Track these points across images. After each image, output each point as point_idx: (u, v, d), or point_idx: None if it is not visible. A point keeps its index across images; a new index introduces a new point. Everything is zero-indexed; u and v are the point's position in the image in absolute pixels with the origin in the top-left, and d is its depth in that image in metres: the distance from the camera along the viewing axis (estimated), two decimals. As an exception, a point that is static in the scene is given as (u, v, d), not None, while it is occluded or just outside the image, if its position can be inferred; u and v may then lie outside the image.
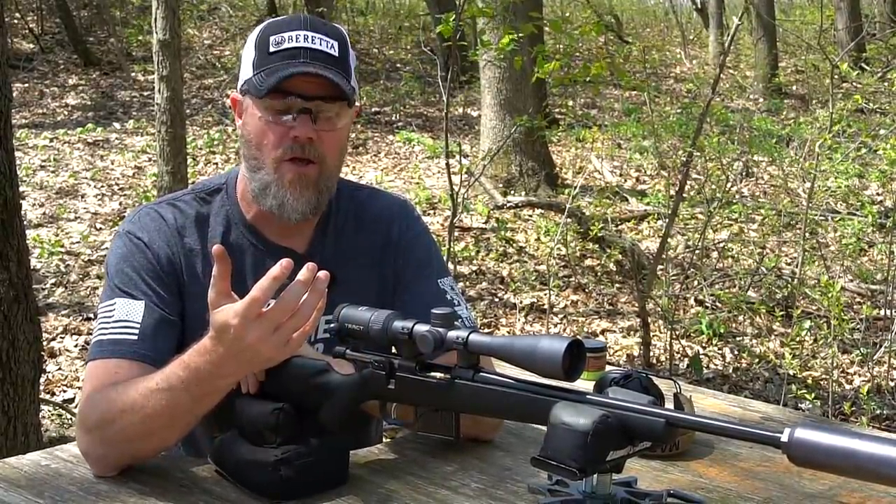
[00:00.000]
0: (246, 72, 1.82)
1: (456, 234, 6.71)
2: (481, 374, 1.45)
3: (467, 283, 6.72)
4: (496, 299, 6.51)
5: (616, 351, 5.79)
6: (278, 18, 1.87)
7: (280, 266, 1.50)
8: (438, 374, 1.49)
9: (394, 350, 1.57)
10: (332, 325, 1.59)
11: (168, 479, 1.67)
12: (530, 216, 8.07)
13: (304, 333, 1.54)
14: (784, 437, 1.17)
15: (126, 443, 1.66)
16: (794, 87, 13.91)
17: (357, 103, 1.88)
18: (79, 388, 4.80)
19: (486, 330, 5.74)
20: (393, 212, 2.00)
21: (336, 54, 1.80)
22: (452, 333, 1.44)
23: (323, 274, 1.52)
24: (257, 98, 1.78)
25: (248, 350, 1.52)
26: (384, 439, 1.88)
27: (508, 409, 1.42)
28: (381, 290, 1.93)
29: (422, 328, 1.47)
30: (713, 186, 6.72)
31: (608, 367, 2.15)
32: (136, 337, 1.75)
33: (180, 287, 1.84)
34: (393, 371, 1.53)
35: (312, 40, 1.79)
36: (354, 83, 1.84)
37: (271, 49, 1.79)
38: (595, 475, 1.32)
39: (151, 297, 1.80)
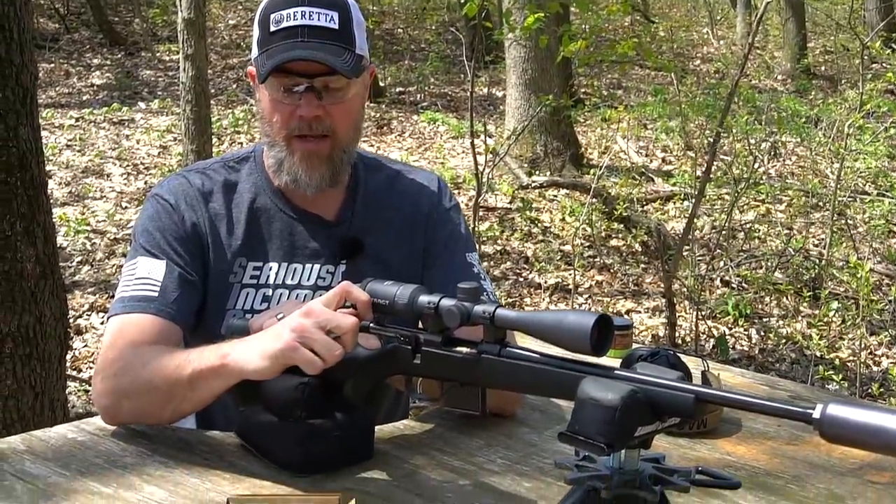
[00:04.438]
0: (254, 50, 1.85)
1: (480, 213, 6.69)
2: (508, 348, 1.43)
3: (492, 262, 6.70)
4: (521, 279, 6.48)
5: (641, 331, 5.76)
6: None
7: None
8: (464, 349, 1.48)
9: (420, 325, 1.56)
10: (358, 298, 1.59)
11: (193, 451, 1.68)
12: (555, 196, 8.02)
13: (315, 364, 1.51)
14: (816, 414, 1.14)
15: (141, 403, 1.69)
16: (823, 68, 13.75)
17: (368, 67, 1.88)
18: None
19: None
20: (424, 186, 2.01)
21: (336, 27, 1.80)
22: (479, 308, 1.43)
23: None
24: (261, 81, 1.82)
25: (279, 326, 1.53)
26: (409, 415, 1.88)
27: (536, 384, 1.40)
28: (409, 263, 1.94)
29: (448, 302, 1.45)
30: (740, 167, 6.67)
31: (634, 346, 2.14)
32: (156, 293, 1.79)
33: (203, 250, 1.87)
34: (419, 346, 1.52)
35: (310, 16, 1.79)
36: (362, 46, 1.84)
37: (272, 28, 1.80)
38: (623, 451, 1.29)
39: (173, 256, 1.84)
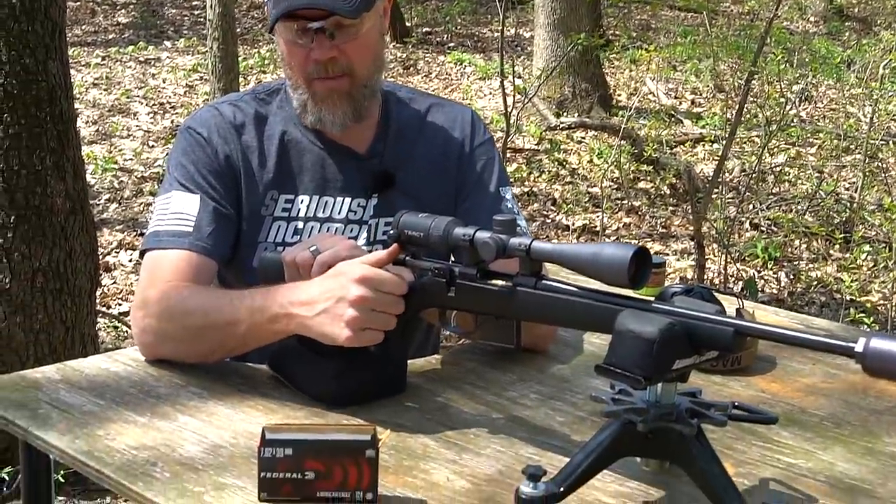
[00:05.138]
0: None
1: (508, 155, 6.65)
2: (544, 281, 1.42)
3: (519, 204, 6.60)
4: (548, 220, 6.46)
5: (669, 273, 5.71)
6: None
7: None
8: (500, 282, 1.47)
9: (454, 258, 1.56)
10: (391, 231, 1.57)
11: (227, 383, 1.69)
12: (583, 138, 7.95)
13: (368, 338, 1.53)
14: (859, 347, 1.13)
15: (188, 348, 1.71)
16: (856, 10, 13.54)
17: None
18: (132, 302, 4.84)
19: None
20: (458, 120, 2.00)
21: None
22: (515, 240, 1.41)
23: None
24: (269, 31, 1.82)
25: (336, 306, 1.51)
26: (440, 350, 1.89)
27: (572, 316, 1.39)
28: (442, 198, 1.92)
29: (483, 234, 1.44)
30: (772, 109, 6.59)
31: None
32: (190, 228, 1.79)
33: (237, 182, 1.87)
34: (453, 278, 1.51)
35: None
36: None
37: None
38: (660, 384, 1.29)
39: (208, 190, 1.84)
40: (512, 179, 6.84)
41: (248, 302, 1.63)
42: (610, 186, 6.91)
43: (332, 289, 1.53)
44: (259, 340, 1.66)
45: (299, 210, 1.89)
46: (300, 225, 1.88)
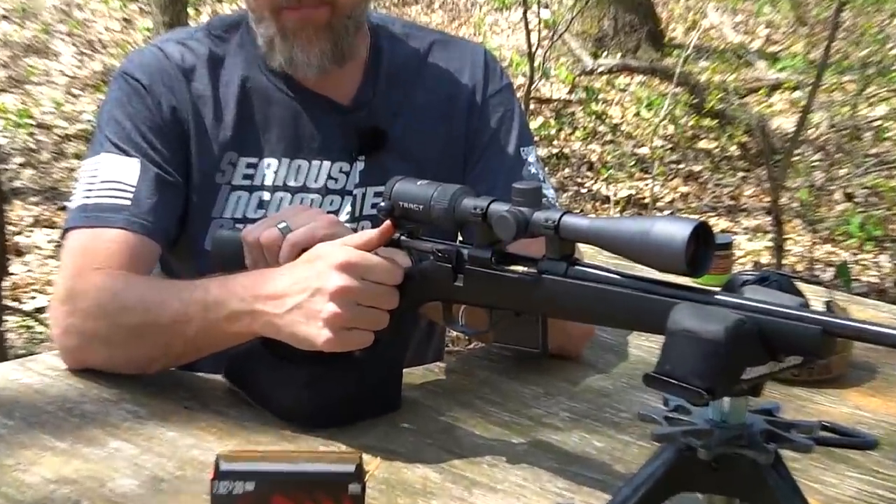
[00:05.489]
0: None
1: (532, 106, 6.64)
2: (577, 267, 1.39)
3: (546, 169, 6.56)
4: (583, 190, 6.46)
5: (740, 257, 5.71)
6: None
7: None
8: (521, 268, 1.44)
9: (462, 237, 1.57)
10: (382, 203, 1.54)
11: (171, 398, 1.67)
12: (628, 84, 7.96)
13: (353, 340, 1.51)
14: None
15: (123, 353, 1.70)
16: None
17: None
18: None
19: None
20: (467, 62, 1.99)
21: None
22: (540, 214, 1.38)
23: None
24: None
25: (312, 300, 1.49)
26: (444, 355, 1.90)
27: (613, 312, 1.36)
28: (447, 160, 1.92)
29: (500, 207, 1.41)
30: (868, 48, 6.57)
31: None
32: (127, 201, 1.78)
33: (185, 142, 1.86)
34: (461, 263, 1.48)
35: None
36: None
37: None
38: (726, 399, 1.26)
39: (148, 152, 1.83)
40: (537, 137, 6.82)
41: (201, 295, 1.61)
42: (662, 146, 6.90)
43: (306, 278, 1.51)
44: (213, 344, 1.65)
45: (264, 177, 1.87)
46: (266, 196, 1.87)
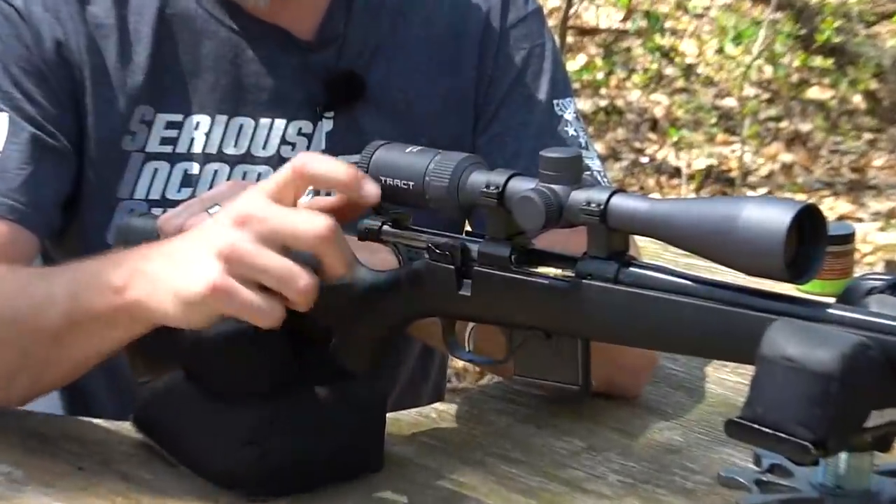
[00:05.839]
0: None
1: (570, 40, 6.65)
2: (633, 269, 1.33)
3: (590, 128, 6.65)
4: (643, 159, 6.45)
5: (866, 254, 5.68)
6: None
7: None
8: (553, 270, 1.38)
9: (470, 226, 1.55)
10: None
11: (58, 455, 1.60)
12: (707, 8, 7.91)
13: (265, 314, 1.46)
14: None
15: None
16: None
17: None
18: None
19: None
20: None
21: None
22: (580, 195, 1.32)
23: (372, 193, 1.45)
24: None
25: (193, 256, 1.45)
26: (445, 393, 1.93)
27: (684, 332, 1.32)
28: (450, 115, 1.88)
29: (523, 185, 1.35)
30: None
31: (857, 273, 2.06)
32: None
33: (77, 91, 1.80)
34: (469, 264, 1.42)
35: None
36: None
37: None
38: (843, 455, 1.32)
39: (21, 105, 1.76)
40: (577, 84, 6.83)
41: (73, 275, 1.55)
42: (756, 97, 6.88)
43: (199, 237, 1.46)
44: (87, 345, 1.57)
45: (192, 141, 1.83)
46: (194, 168, 1.82)
